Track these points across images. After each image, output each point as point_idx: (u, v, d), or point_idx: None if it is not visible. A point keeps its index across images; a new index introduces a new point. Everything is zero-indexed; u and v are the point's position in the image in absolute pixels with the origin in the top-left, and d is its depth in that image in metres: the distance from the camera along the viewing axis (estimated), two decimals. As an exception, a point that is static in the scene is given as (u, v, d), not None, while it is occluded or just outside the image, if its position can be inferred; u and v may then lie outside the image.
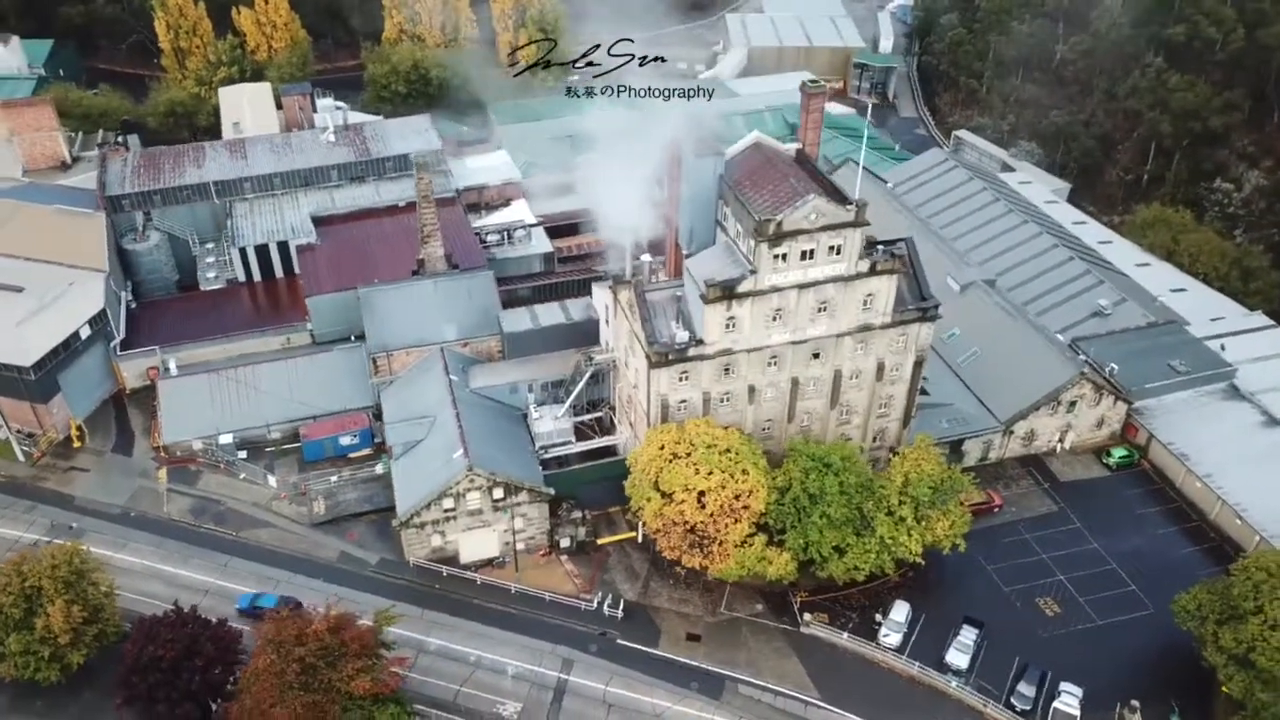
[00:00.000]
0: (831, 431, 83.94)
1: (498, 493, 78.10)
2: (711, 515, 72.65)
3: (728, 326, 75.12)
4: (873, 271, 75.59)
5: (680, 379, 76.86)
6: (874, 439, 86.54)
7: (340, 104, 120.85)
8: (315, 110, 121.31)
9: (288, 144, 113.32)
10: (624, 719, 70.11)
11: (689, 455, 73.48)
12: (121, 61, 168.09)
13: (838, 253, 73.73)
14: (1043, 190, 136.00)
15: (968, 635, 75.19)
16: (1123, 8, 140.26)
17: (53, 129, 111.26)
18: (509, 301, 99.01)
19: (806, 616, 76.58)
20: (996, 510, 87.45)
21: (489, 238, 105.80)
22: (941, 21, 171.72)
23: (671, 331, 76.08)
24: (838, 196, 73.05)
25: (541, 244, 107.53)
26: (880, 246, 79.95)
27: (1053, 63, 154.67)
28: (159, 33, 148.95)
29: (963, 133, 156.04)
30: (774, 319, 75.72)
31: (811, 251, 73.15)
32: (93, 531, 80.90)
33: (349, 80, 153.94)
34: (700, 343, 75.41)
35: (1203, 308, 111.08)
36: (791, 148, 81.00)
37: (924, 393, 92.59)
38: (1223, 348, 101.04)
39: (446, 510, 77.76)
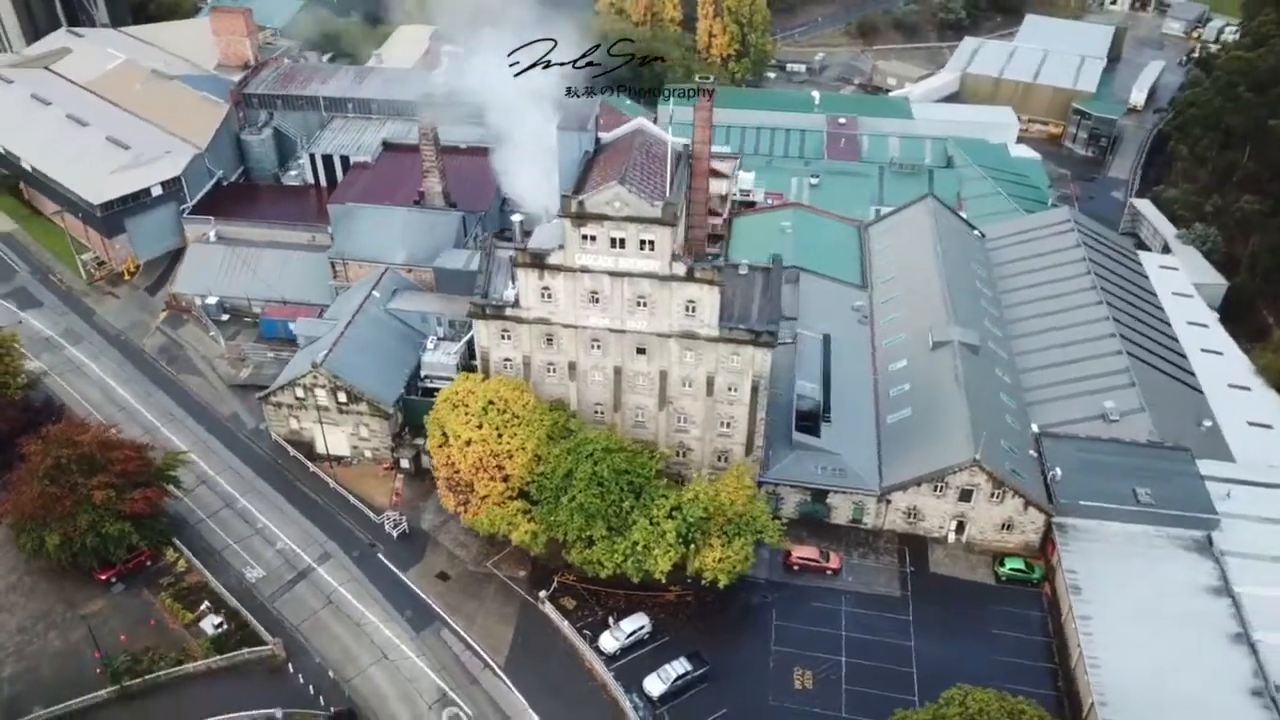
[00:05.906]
0: (665, 434, 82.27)
1: (342, 397, 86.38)
2: (472, 466, 75.70)
3: (544, 296, 76.86)
4: (690, 277, 73.34)
5: (502, 337, 79.89)
6: (719, 458, 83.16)
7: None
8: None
9: (401, 79, 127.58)
10: (331, 616, 75.98)
11: (468, 406, 76.87)
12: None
13: (650, 248, 72.56)
14: (1181, 280, 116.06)
15: (675, 668, 71.52)
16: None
17: (244, 34, 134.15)
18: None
19: (542, 594, 77.00)
20: (830, 573, 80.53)
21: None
22: (1188, 79, 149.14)
23: (503, 288, 79.28)
24: (659, 193, 71.86)
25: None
26: (744, 262, 77.91)
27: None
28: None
29: (1140, 202, 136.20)
30: (591, 300, 76.13)
31: (622, 240, 72.74)
32: (86, 340, 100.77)
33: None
34: (517, 305, 77.93)
35: (1271, 450, 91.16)
36: (679, 141, 79.71)
37: (814, 433, 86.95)
38: (1228, 495, 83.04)
39: (298, 398, 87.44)
